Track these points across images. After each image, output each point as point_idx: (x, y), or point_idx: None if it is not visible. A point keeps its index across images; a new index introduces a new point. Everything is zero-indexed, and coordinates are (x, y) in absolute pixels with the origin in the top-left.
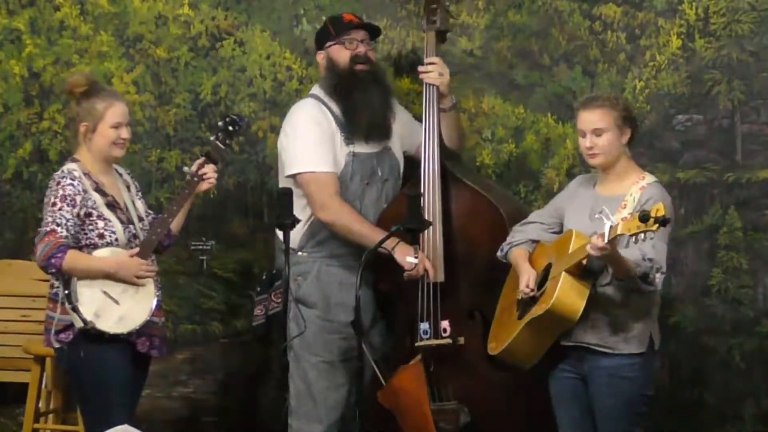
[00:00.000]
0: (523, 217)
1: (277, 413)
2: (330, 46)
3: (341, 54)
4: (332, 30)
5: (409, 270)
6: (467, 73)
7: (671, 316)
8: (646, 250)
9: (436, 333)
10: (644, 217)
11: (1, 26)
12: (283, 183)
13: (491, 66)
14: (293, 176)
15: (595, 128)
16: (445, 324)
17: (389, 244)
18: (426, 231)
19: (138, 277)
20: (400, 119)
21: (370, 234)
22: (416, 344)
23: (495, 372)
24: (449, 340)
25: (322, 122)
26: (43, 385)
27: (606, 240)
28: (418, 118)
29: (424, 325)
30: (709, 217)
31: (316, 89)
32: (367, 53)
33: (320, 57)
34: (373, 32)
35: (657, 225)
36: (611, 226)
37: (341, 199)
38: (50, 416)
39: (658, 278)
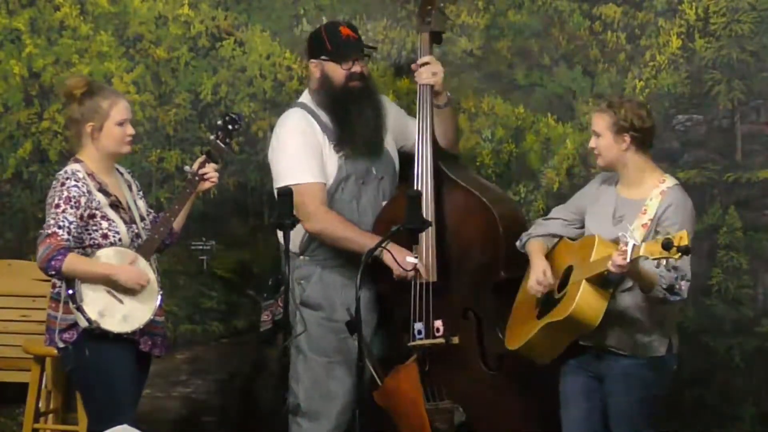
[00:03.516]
0: (517, 217)
1: (278, 413)
2: (325, 60)
3: (337, 72)
4: (329, 45)
5: (407, 270)
6: (467, 73)
7: None
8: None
9: (430, 333)
10: (667, 245)
11: (1, 26)
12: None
13: (491, 66)
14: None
15: (594, 130)
16: (438, 323)
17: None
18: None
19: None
20: (391, 115)
21: (358, 238)
22: (410, 344)
23: (489, 371)
24: (442, 340)
25: (307, 132)
26: (43, 385)
27: (628, 260)
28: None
29: (418, 325)
30: (709, 217)
31: (305, 97)
32: (362, 70)
33: (313, 66)
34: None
35: (679, 254)
36: (634, 245)
37: (327, 208)
38: (50, 416)
39: (684, 286)
